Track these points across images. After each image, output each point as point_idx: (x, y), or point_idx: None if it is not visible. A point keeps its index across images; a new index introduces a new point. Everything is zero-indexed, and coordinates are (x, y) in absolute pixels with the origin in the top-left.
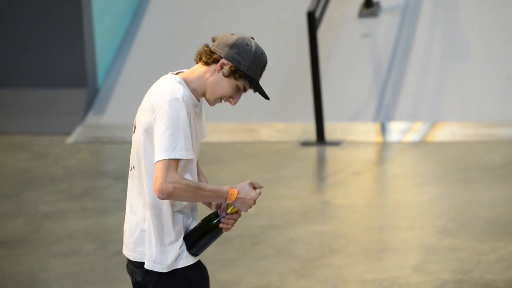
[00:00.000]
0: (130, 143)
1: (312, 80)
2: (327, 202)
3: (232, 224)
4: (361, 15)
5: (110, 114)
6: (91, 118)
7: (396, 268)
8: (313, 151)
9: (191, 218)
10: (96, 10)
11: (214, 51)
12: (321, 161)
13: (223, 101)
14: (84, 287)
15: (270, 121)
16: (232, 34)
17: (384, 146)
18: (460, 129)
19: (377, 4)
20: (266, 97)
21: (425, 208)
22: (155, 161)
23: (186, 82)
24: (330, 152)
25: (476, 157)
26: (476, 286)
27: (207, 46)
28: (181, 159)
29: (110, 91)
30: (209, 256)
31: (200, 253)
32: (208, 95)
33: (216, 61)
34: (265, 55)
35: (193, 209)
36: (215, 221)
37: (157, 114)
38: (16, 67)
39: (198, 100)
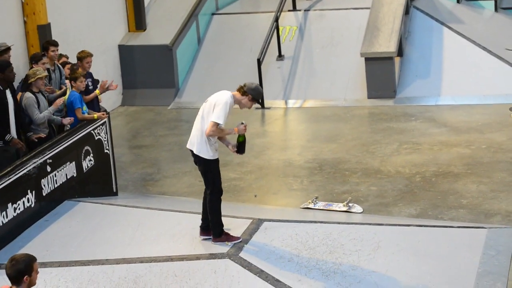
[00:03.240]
0: (192, 109)
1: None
2: (266, 130)
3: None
4: (277, 60)
5: (183, 98)
6: (176, 99)
7: (292, 155)
8: (261, 111)
9: (216, 143)
10: (179, 55)
11: (246, 90)
12: (263, 115)
13: (250, 108)
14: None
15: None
16: (251, 83)
17: (286, 109)
18: (315, 102)
19: (283, 55)
20: (261, 105)
21: (301, 132)
22: (210, 120)
23: (234, 96)
24: (267, 112)
25: (321, 113)
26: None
27: (242, 86)
28: (219, 123)
29: (183, 90)
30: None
31: (243, 152)
32: (242, 106)
33: (245, 93)
34: (261, 90)
35: (216, 141)
36: (240, 139)
37: (218, 103)
38: (148, 80)
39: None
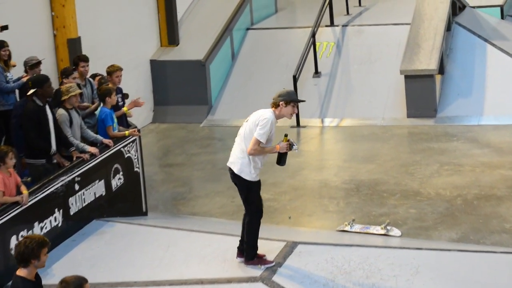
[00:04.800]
0: (225, 127)
1: None
2: (301, 149)
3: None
4: (313, 76)
5: (216, 115)
6: (209, 117)
7: (328, 176)
8: (296, 130)
9: (261, 165)
10: (212, 74)
11: (276, 101)
12: (299, 133)
13: (291, 115)
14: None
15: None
16: (280, 91)
17: (323, 129)
18: (352, 121)
19: (320, 72)
20: (302, 101)
21: (337, 151)
22: (253, 136)
23: (274, 112)
24: (303, 130)
25: (358, 132)
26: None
27: (273, 100)
28: (261, 142)
29: (216, 107)
30: None
31: (283, 164)
32: (284, 116)
33: (276, 104)
34: (292, 90)
35: (262, 162)
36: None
37: (260, 121)
38: (181, 97)
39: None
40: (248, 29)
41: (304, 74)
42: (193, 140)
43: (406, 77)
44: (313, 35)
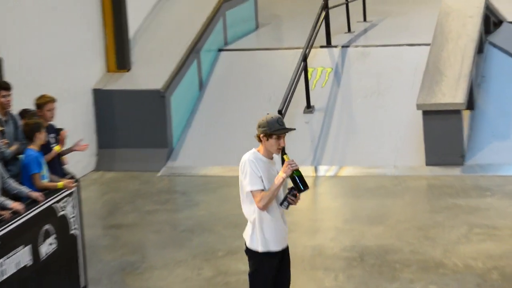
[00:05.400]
0: (191, 176)
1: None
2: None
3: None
4: (305, 112)
5: (178, 161)
6: (169, 163)
7: (323, 241)
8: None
9: (282, 223)
10: (173, 108)
11: (257, 133)
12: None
13: (281, 151)
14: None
15: None
16: (260, 119)
17: (315, 178)
18: (354, 170)
19: (313, 107)
20: (292, 129)
21: (336, 210)
22: (246, 192)
23: (257, 152)
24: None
25: (362, 184)
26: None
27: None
28: (255, 189)
29: (179, 150)
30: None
31: (307, 187)
32: (272, 151)
33: (259, 137)
34: (275, 117)
35: (273, 213)
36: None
37: (242, 170)
38: (132, 137)
39: (271, 158)
40: (220, 50)
41: (292, 108)
42: (148, 193)
43: (425, 113)
44: (305, 58)
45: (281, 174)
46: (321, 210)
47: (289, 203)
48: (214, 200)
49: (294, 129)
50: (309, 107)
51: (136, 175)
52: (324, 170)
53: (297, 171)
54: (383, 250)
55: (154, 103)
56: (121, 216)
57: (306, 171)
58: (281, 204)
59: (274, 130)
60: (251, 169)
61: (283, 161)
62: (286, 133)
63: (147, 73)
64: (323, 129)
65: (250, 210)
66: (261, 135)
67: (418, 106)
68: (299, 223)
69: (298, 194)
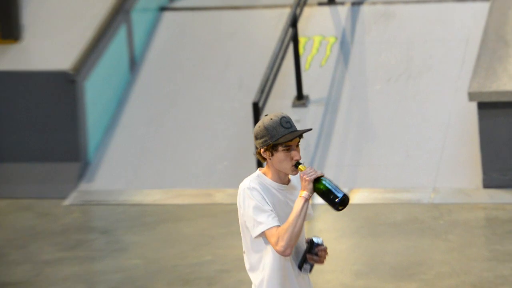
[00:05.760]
0: (113, 205)
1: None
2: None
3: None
4: (294, 105)
5: (97, 182)
6: (83, 185)
7: None
8: None
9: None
10: (89, 100)
11: (256, 146)
12: None
13: (295, 164)
14: None
15: (223, 188)
16: (257, 124)
17: (312, 207)
18: (370, 194)
19: (307, 97)
20: (308, 130)
21: (344, 255)
22: (255, 235)
23: (260, 175)
24: None
25: (383, 216)
26: None
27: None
28: (269, 227)
29: (98, 164)
30: None
31: (346, 200)
32: (283, 170)
33: (259, 154)
34: (276, 117)
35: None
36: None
37: (242, 205)
38: (24, 145)
39: (287, 182)
40: (163, 9)
41: (275, 100)
42: (48, 233)
43: (482, 106)
44: (294, 22)
45: (301, 193)
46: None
47: (312, 265)
48: (153, 242)
49: (311, 129)
50: (300, 98)
51: (29, 204)
52: None
53: (322, 179)
54: None
55: (59, 92)
56: (5, 269)
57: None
58: (300, 267)
59: (279, 138)
60: (255, 201)
61: (300, 167)
62: (300, 138)
63: (46, 46)
64: (322, 131)
65: (256, 265)
66: (262, 150)
67: (471, 96)
68: None
69: (319, 247)
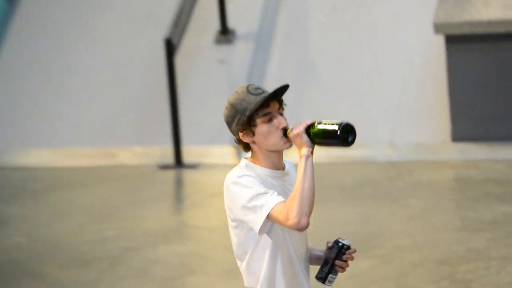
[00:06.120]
0: None
1: (170, 105)
2: (186, 223)
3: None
4: (217, 42)
5: None
6: None
7: None
8: (171, 174)
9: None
10: None
11: (238, 140)
12: (179, 183)
13: (283, 133)
14: None
15: (129, 145)
16: (225, 104)
17: None
18: (315, 152)
19: (233, 31)
20: (284, 87)
21: None
22: (255, 225)
23: (250, 162)
24: (188, 175)
25: (330, 179)
26: None
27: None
28: (269, 211)
29: None
30: (67, 277)
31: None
32: (271, 147)
33: (240, 141)
34: (241, 88)
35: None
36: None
37: (230, 200)
38: None
39: (282, 168)
40: None
41: (192, 37)
42: None
43: (450, 40)
44: None
45: (299, 152)
46: None
47: (336, 272)
48: (40, 215)
49: (287, 85)
50: (225, 32)
51: None
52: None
53: (313, 124)
54: None
55: None
56: None
57: (221, 156)
58: (324, 279)
59: (253, 108)
60: (249, 189)
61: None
62: (276, 100)
63: None
64: (251, 73)
65: (257, 264)
66: (241, 134)
67: (437, 28)
68: (208, 256)
69: (350, 250)
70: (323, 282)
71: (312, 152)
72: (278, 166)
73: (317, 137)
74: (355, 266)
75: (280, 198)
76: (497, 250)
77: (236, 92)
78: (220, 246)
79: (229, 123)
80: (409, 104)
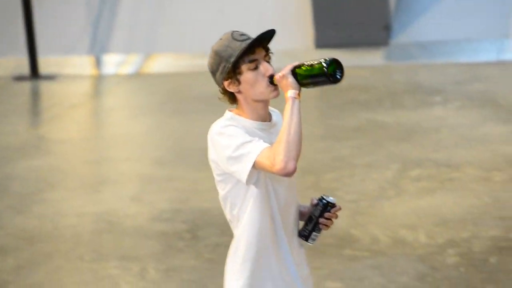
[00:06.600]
0: None
1: (24, 13)
2: (43, 136)
3: None
4: None
5: None
6: None
7: (114, 200)
8: (27, 86)
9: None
10: None
11: (222, 89)
12: (35, 95)
13: (270, 81)
14: None
15: None
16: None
17: (99, 79)
18: (175, 60)
19: None
20: (271, 32)
21: (142, 140)
22: (241, 175)
23: (235, 115)
24: (45, 86)
25: (191, 88)
26: (193, 214)
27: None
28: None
29: None
30: None
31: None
32: (257, 97)
33: (225, 92)
34: (225, 35)
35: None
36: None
37: (216, 150)
38: None
39: (269, 119)
40: None
41: None
42: None
43: None
44: None
45: (286, 95)
46: (110, 140)
47: (320, 230)
48: None
49: (273, 30)
50: None
51: None
52: (113, 62)
53: (299, 65)
54: (216, 222)
55: None
56: None
57: (77, 66)
58: (307, 236)
59: (238, 54)
60: (234, 138)
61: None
62: (262, 47)
63: None
64: None
65: (236, 220)
66: (226, 83)
67: None
68: (63, 169)
69: (335, 208)
70: (306, 240)
71: (299, 95)
72: (265, 117)
73: (304, 78)
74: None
75: (266, 145)
76: (362, 158)
77: (220, 39)
78: (79, 160)
79: (213, 72)
80: (270, 9)
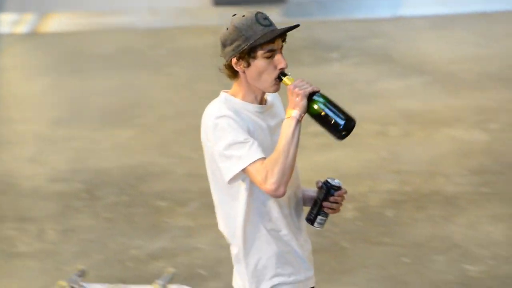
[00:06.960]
0: None
1: None
2: None
3: None
4: None
5: None
6: None
7: (11, 161)
8: None
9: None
10: None
11: (227, 64)
12: None
13: (278, 75)
14: None
15: None
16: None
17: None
18: (72, 19)
19: None
20: (296, 26)
21: (38, 100)
22: (228, 175)
23: (228, 97)
24: None
25: (88, 47)
26: (91, 173)
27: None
28: (250, 163)
29: None
30: None
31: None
32: (260, 85)
33: (228, 67)
34: (250, 13)
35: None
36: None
37: (209, 136)
38: None
39: (264, 102)
40: None
41: None
42: None
43: None
44: None
45: (289, 112)
46: (5, 100)
47: (326, 214)
48: None
49: (298, 25)
50: None
51: None
52: (7, 21)
53: (318, 96)
54: (136, 174)
55: None
56: None
57: None
58: (313, 220)
59: (259, 38)
60: (229, 133)
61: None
62: (284, 41)
63: None
64: None
65: (233, 221)
66: (234, 61)
67: None
68: None
69: (339, 192)
70: (312, 224)
71: (302, 118)
72: (260, 101)
73: (316, 113)
74: (118, 135)
75: (260, 154)
76: None
77: (243, 16)
78: None
79: (224, 45)
80: None
